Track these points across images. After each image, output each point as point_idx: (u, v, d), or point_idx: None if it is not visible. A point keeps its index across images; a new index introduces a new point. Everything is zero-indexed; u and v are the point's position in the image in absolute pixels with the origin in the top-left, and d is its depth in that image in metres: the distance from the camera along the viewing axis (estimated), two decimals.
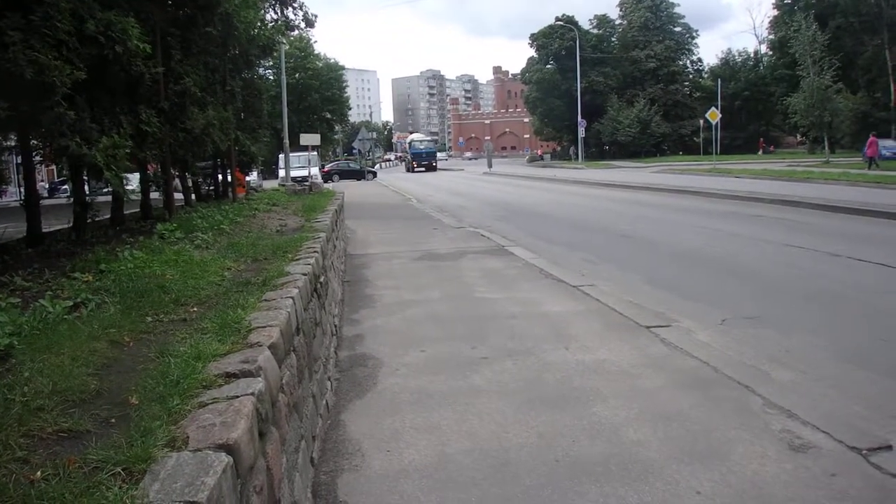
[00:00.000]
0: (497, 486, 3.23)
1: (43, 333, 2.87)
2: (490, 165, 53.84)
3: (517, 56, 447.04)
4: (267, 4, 15.66)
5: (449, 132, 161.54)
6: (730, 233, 12.22)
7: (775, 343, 5.59)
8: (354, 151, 51.52)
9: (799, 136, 63.13)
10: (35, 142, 7.44)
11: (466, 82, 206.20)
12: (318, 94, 59.98)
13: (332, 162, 57.43)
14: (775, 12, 60.25)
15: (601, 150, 67.94)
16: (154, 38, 7.79)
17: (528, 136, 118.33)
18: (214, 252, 5.67)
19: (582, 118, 55.91)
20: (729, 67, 68.11)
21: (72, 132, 5.55)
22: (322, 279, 5.38)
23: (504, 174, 44.40)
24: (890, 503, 3.05)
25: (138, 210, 10.31)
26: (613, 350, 5.31)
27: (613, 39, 71.70)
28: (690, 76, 72.41)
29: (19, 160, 9.10)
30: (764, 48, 68.70)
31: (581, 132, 56.68)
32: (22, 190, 8.12)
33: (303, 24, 17.25)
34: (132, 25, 6.20)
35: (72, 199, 7.88)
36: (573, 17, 68.32)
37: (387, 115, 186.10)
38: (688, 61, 72.48)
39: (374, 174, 50.43)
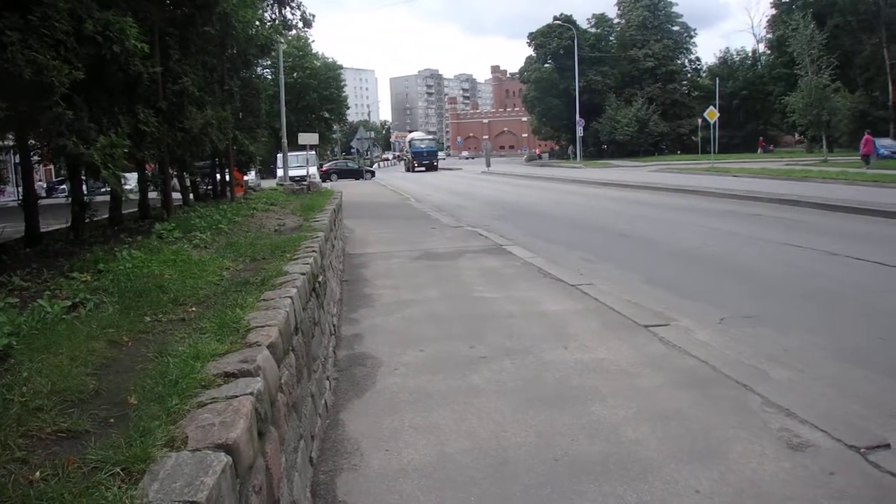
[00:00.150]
0: (496, 486, 3.23)
1: (41, 333, 2.87)
2: (488, 165, 53.80)
3: (515, 55, 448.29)
4: (265, 4, 15.65)
5: (447, 131, 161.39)
6: (728, 232, 12.23)
7: (774, 342, 5.60)
8: (353, 151, 51.41)
9: (797, 135, 63.24)
10: (33, 141, 7.43)
11: (464, 81, 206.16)
12: (316, 94, 59.93)
13: (330, 161, 57.39)
14: (773, 11, 60.30)
15: (599, 149, 67.94)
16: (152, 38, 7.78)
17: (526, 135, 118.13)
18: (213, 252, 5.67)
19: (580, 117, 55.90)
20: (727, 66, 68.14)
21: (70, 132, 5.55)
22: (320, 279, 5.38)
23: (502, 173, 44.41)
24: (888, 501, 3.05)
25: (136, 210, 10.30)
26: (612, 349, 5.31)
27: (611, 38, 71.68)
28: (688, 75, 72.44)
29: (17, 160, 9.09)
30: (762, 47, 68.80)
31: (579, 131, 56.70)
32: (20, 190, 8.11)
33: (300, 24, 17.27)
34: (130, 25, 6.19)
35: (70, 199, 7.87)
36: (571, 16, 68.34)
37: (385, 114, 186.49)
38: (686, 60, 72.55)
39: (373, 174, 50.37)
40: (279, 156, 28.09)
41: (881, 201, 14.94)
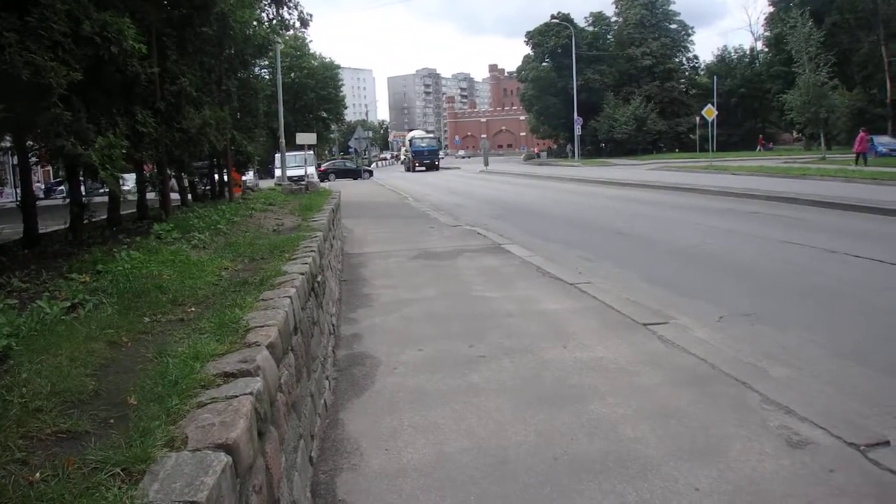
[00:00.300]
0: (496, 485, 3.24)
1: (40, 334, 2.87)
2: (486, 164, 53.73)
3: (513, 54, 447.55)
4: (262, 4, 15.64)
5: (445, 130, 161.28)
6: (726, 230, 12.24)
7: (772, 339, 5.61)
8: (351, 150, 51.37)
9: (795, 133, 63.25)
10: (31, 142, 7.42)
11: (462, 80, 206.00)
12: (314, 94, 60.00)
13: (328, 161, 57.32)
14: (771, 9, 60.28)
15: (597, 147, 67.97)
16: (150, 39, 7.77)
17: (524, 134, 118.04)
18: (211, 252, 5.66)
19: (578, 116, 55.88)
20: (725, 64, 68.24)
21: (68, 132, 5.54)
22: (319, 278, 5.38)
23: (500, 172, 44.40)
24: (888, 499, 3.06)
25: (135, 210, 10.31)
26: (611, 348, 5.31)
27: (609, 37, 71.73)
28: (686, 73, 72.55)
29: (16, 161, 9.08)
30: (760, 45, 68.86)
31: (577, 130, 56.67)
32: (18, 191, 8.11)
33: (298, 24, 17.27)
34: (128, 26, 6.19)
35: (68, 200, 7.87)
36: (569, 14, 68.40)
37: (383, 113, 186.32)
38: (684, 58, 72.65)
39: (371, 173, 50.36)
40: (277, 156, 28.09)
41: (879, 198, 14.96)
